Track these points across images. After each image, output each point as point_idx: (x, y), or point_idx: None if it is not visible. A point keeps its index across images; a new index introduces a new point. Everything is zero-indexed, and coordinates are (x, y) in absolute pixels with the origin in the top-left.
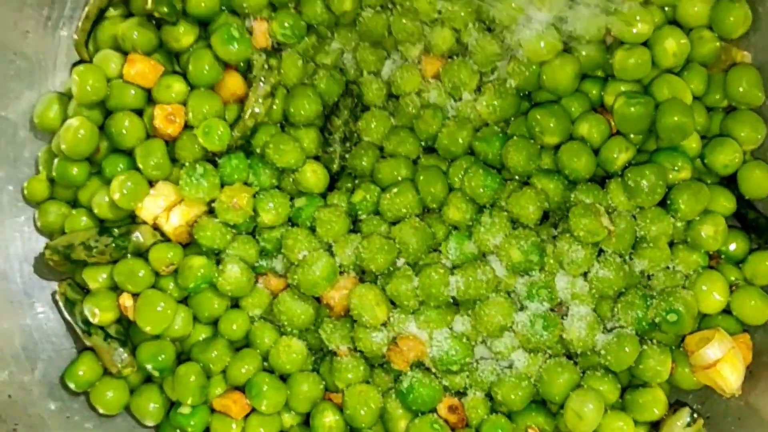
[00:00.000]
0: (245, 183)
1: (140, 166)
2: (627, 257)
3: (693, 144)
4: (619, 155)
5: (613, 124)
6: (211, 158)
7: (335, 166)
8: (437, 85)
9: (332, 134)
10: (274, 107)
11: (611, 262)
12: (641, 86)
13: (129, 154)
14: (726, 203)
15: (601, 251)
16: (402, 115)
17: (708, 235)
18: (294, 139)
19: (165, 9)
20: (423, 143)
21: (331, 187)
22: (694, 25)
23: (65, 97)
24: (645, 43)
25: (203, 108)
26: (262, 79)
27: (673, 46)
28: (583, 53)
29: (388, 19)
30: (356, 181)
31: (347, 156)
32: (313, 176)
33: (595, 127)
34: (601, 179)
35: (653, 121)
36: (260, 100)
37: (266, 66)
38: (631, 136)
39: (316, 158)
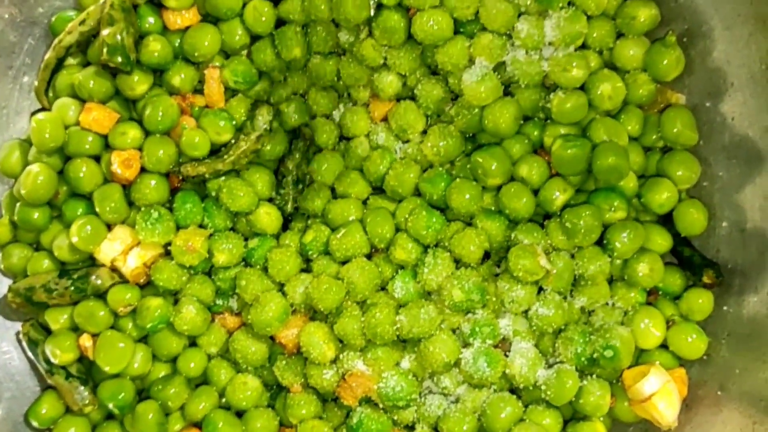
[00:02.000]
0: (200, 225)
1: (98, 210)
2: (567, 294)
3: (630, 184)
4: (558, 196)
5: (552, 165)
6: (165, 203)
7: (289, 208)
8: (385, 128)
9: (285, 177)
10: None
11: (551, 300)
12: (579, 128)
13: (88, 198)
14: (662, 241)
15: (541, 289)
16: (352, 157)
17: (644, 273)
18: (248, 184)
19: (119, 59)
20: (372, 184)
21: (286, 227)
22: (630, 68)
23: (26, 143)
24: (582, 87)
25: (158, 153)
26: (262, 127)
27: (608, 90)
28: (523, 97)
29: (337, 65)
30: (308, 222)
31: (300, 197)
32: (267, 218)
33: (535, 168)
34: (541, 219)
35: (590, 162)
36: (249, 144)
37: (270, 114)
38: (570, 177)
39: (270, 200)
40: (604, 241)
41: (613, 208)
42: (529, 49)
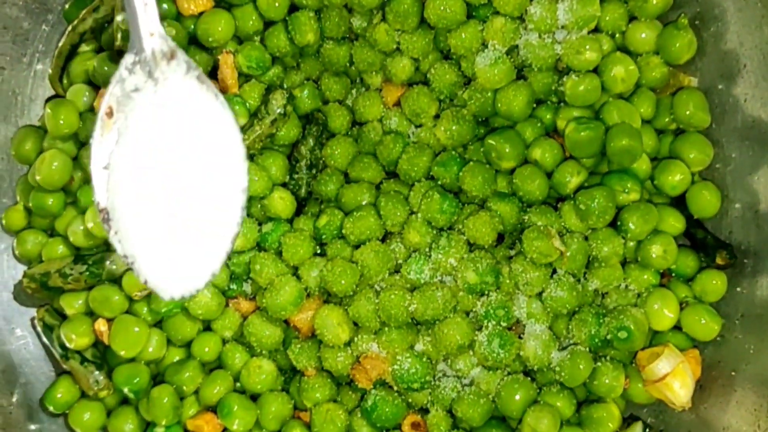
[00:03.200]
0: None
1: None
2: (581, 277)
3: (643, 166)
4: (571, 179)
5: (565, 148)
6: None
7: (302, 192)
8: (398, 112)
9: (299, 161)
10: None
11: (565, 282)
12: (592, 111)
13: None
14: (675, 223)
15: (554, 271)
16: (365, 142)
17: (658, 255)
18: (261, 168)
19: None
20: (385, 168)
21: (299, 212)
22: (642, 51)
23: (41, 130)
24: (595, 70)
25: None
26: (276, 111)
27: (621, 72)
28: (536, 80)
29: (349, 50)
30: (322, 206)
31: (313, 182)
32: (281, 203)
33: (548, 151)
34: (554, 201)
35: (603, 144)
36: (263, 128)
37: (284, 99)
38: (583, 159)
39: (284, 185)
40: (618, 223)
41: (626, 190)
42: (542, 33)
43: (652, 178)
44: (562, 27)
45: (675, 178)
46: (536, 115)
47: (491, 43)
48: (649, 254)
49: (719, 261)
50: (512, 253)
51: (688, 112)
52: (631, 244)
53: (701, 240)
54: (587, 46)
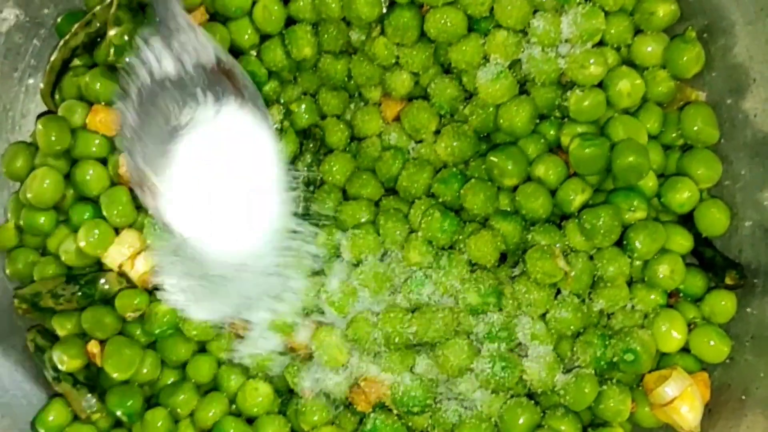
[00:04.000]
0: None
1: (105, 213)
2: (586, 297)
3: (649, 183)
4: (576, 196)
5: (570, 165)
6: None
7: (299, 210)
8: (398, 128)
9: (296, 178)
10: None
11: (569, 302)
12: (597, 127)
13: (95, 201)
14: (683, 242)
15: (559, 292)
16: (364, 158)
17: (665, 275)
18: None
19: (126, 60)
20: (384, 185)
21: None
22: (648, 65)
23: (32, 146)
24: (600, 85)
25: None
26: (275, 125)
27: (627, 87)
28: (539, 95)
29: (348, 64)
30: (320, 224)
31: (311, 199)
32: None
33: (551, 168)
34: (558, 220)
35: (609, 161)
36: None
37: (281, 114)
38: (588, 177)
39: None
40: (624, 242)
41: (632, 208)
42: (545, 47)
43: (659, 195)
44: (566, 40)
45: (683, 196)
46: (539, 131)
47: (493, 57)
48: (656, 274)
49: (728, 281)
50: (515, 272)
51: (696, 128)
52: (638, 263)
53: (710, 259)
54: (592, 60)
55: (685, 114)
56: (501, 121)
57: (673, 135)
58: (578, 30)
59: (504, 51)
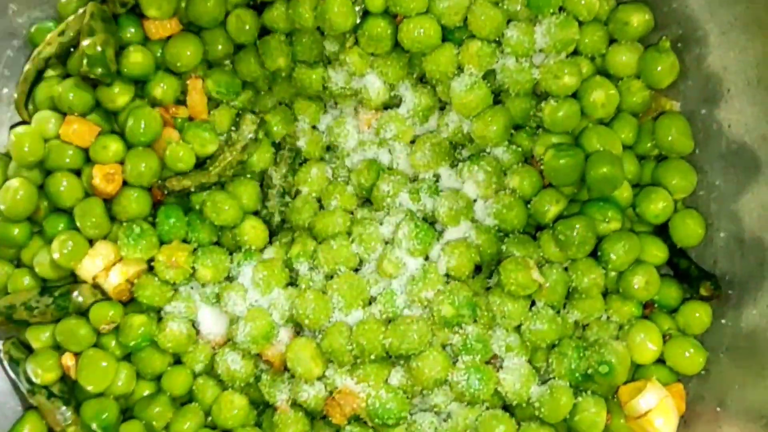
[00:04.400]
0: (184, 240)
1: (79, 225)
2: (561, 308)
3: (624, 194)
4: (550, 207)
5: (544, 175)
6: (148, 217)
7: (275, 221)
8: (373, 138)
9: (271, 189)
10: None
11: (544, 314)
12: (571, 137)
13: (69, 213)
14: (658, 252)
15: (533, 303)
16: (339, 168)
17: (640, 286)
18: (232, 197)
19: (100, 71)
20: (359, 195)
21: (271, 240)
22: (623, 75)
23: (6, 157)
24: (574, 95)
25: (140, 166)
26: (247, 137)
27: (601, 97)
28: (513, 106)
29: (322, 74)
30: (295, 235)
31: (286, 210)
32: (253, 232)
33: (526, 179)
34: (533, 231)
35: (583, 172)
36: (234, 155)
37: (255, 124)
38: (562, 187)
39: (256, 213)
40: (599, 253)
41: (607, 219)
42: (519, 57)
43: (634, 206)
44: (540, 50)
45: (657, 206)
46: (514, 141)
47: (467, 68)
48: (631, 285)
49: (703, 292)
50: (490, 283)
51: (670, 138)
52: (613, 274)
53: (685, 270)
54: (566, 70)
55: (660, 124)
56: (475, 131)
57: (648, 145)
58: (552, 40)
59: (478, 61)
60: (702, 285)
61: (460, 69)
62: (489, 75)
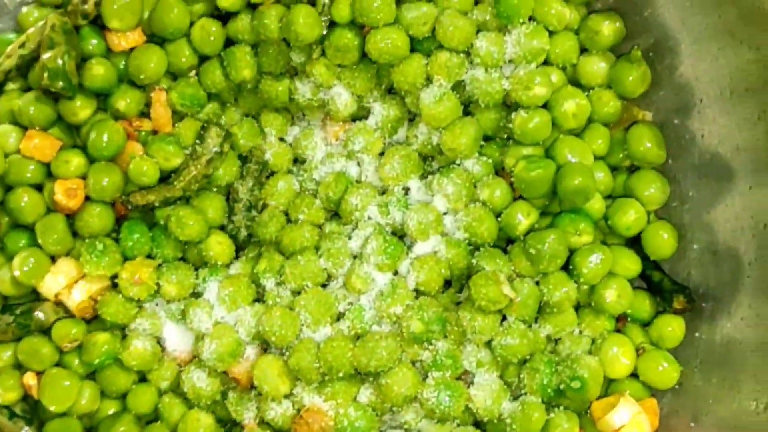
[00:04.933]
0: (148, 256)
1: (41, 241)
2: (532, 323)
3: (596, 206)
4: (522, 220)
5: (515, 187)
6: (111, 233)
7: (241, 235)
8: (341, 150)
9: (237, 202)
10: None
11: (515, 329)
12: (542, 148)
13: (30, 229)
14: (630, 265)
15: (504, 318)
16: (306, 181)
17: (612, 299)
18: (198, 211)
19: (61, 84)
20: (327, 209)
21: (238, 255)
22: (594, 85)
23: None
24: (545, 105)
25: (103, 181)
26: (212, 150)
27: (572, 107)
28: (483, 117)
29: (289, 85)
30: (261, 249)
31: (252, 224)
32: (218, 247)
33: (497, 191)
34: (504, 244)
35: (555, 184)
36: (199, 168)
37: (221, 137)
38: (534, 200)
39: (222, 228)
40: (570, 267)
41: (578, 232)
42: (488, 67)
43: (606, 217)
44: (510, 61)
45: (630, 218)
46: (484, 153)
47: (436, 78)
48: (603, 298)
49: (677, 305)
50: (461, 298)
51: (642, 148)
52: (585, 287)
53: (658, 283)
54: (536, 81)
55: (632, 134)
56: (445, 142)
57: (620, 156)
58: (522, 50)
59: (447, 72)
60: (675, 298)
61: (429, 80)
62: (458, 86)
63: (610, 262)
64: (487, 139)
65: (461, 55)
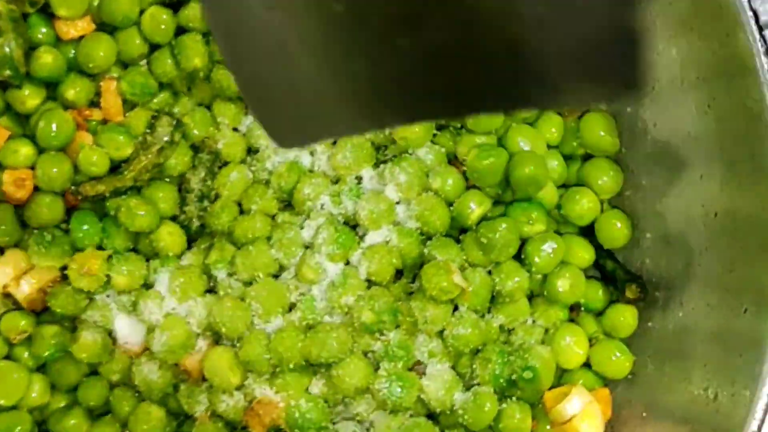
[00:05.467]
0: (99, 247)
1: None
2: (485, 312)
3: (549, 195)
4: (474, 209)
5: (468, 177)
6: (61, 224)
7: (193, 226)
8: None
9: (189, 193)
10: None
11: (467, 318)
12: (495, 137)
13: None
14: (584, 254)
15: (457, 307)
16: (260, 171)
17: (564, 289)
18: (148, 201)
19: (8, 72)
20: (280, 199)
21: (190, 246)
22: None
23: None
24: None
25: (52, 171)
26: (163, 139)
27: None
28: None
29: None
30: (214, 240)
31: (205, 214)
32: (170, 238)
33: (449, 180)
34: (457, 233)
35: (507, 173)
36: (150, 158)
37: (171, 126)
38: (486, 189)
39: (174, 218)
40: (523, 256)
41: (531, 221)
42: None
43: (559, 206)
44: None
45: (583, 207)
46: (437, 142)
47: None
48: (556, 288)
49: (629, 295)
50: (413, 287)
51: (596, 137)
52: (538, 277)
53: (611, 272)
54: None
55: (585, 123)
56: (396, 132)
57: (574, 144)
58: None
59: None
60: (627, 288)
61: None
62: None
63: (563, 251)
64: (440, 128)
65: None
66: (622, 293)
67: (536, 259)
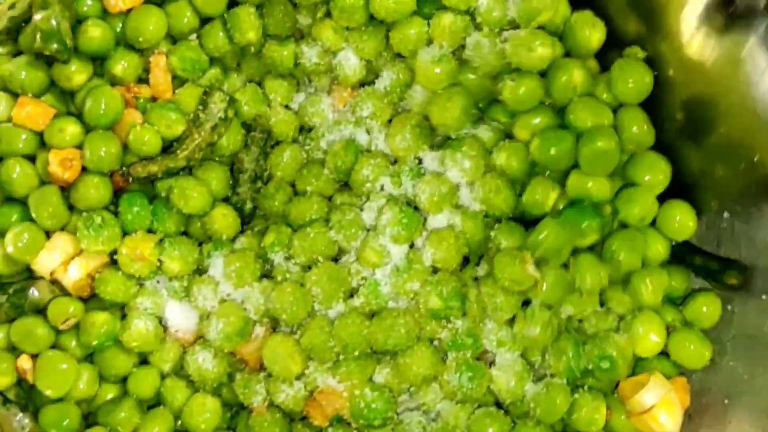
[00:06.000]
0: (149, 230)
1: (34, 216)
2: (558, 310)
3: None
4: (548, 196)
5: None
6: (109, 206)
7: (247, 208)
8: (349, 117)
9: (242, 173)
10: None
11: (538, 317)
12: (553, 112)
13: (23, 203)
14: (659, 248)
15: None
16: (314, 150)
17: (648, 293)
18: (201, 182)
19: (55, 46)
20: (336, 179)
21: (243, 229)
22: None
23: None
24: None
25: (100, 151)
26: (219, 114)
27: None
28: (473, 84)
29: (295, 49)
30: (268, 222)
31: (258, 196)
32: (223, 220)
33: (513, 155)
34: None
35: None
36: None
37: (225, 102)
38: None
39: (226, 200)
40: (603, 252)
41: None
42: (491, 27)
43: (616, 211)
44: (509, 22)
45: (643, 209)
46: (494, 117)
47: (438, 42)
48: (640, 293)
49: (732, 282)
50: (479, 271)
51: (625, 86)
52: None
53: (702, 266)
54: (538, 42)
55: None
56: (434, 118)
57: (605, 95)
58: (522, 10)
59: (450, 35)
60: (727, 276)
61: (430, 42)
62: (458, 50)
63: (644, 247)
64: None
65: (465, 15)
66: (723, 283)
67: (620, 256)
